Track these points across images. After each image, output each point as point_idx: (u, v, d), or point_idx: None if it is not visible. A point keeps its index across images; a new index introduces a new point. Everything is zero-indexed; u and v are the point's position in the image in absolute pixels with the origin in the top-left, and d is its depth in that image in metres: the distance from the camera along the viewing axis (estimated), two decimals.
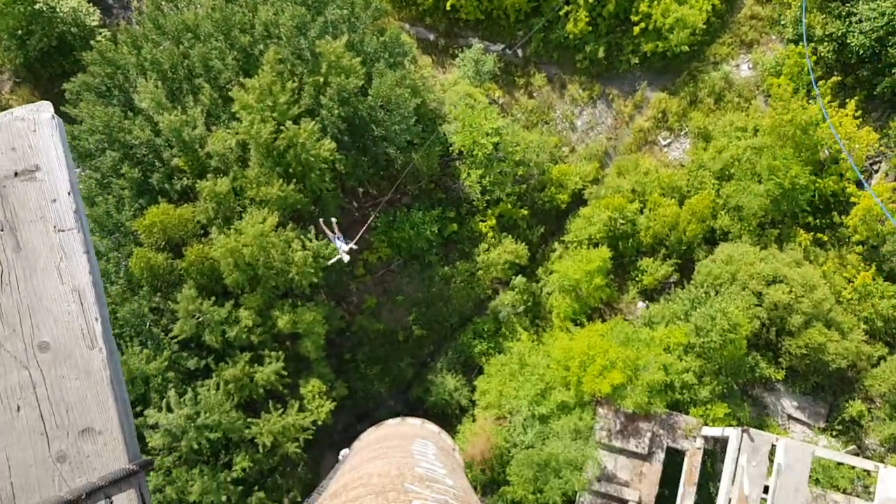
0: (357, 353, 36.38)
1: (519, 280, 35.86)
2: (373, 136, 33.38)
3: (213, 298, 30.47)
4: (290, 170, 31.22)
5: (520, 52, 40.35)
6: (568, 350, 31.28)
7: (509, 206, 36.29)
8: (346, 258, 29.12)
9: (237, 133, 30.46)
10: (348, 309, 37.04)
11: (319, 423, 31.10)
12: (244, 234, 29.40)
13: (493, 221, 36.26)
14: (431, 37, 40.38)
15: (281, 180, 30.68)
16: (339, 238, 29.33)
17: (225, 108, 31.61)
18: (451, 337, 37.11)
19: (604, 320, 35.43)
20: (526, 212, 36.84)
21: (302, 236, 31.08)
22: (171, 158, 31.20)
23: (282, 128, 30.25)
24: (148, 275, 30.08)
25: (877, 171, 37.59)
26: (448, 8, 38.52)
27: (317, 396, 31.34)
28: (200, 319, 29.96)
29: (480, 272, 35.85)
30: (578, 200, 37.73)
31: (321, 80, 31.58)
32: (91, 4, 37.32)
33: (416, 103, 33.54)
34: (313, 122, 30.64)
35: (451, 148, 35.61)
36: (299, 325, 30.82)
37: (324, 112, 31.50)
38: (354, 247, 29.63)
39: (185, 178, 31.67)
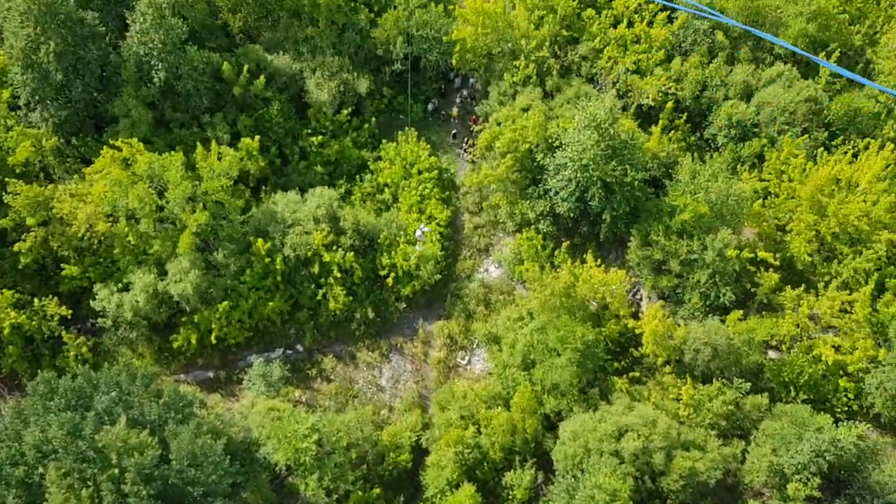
0: None
1: None
2: (193, 499, 30.99)
3: None
4: None
5: (299, 346, 40.92)
6: None
7: (360, 493, 34.85)
8: None
9: None
10: None
11: None
12: None
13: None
14: (210, 374, 39.80)
15: None
16: None
17: None
18: None
19: None
20: (378, 490, 35.55)
21: None
22: None
23: None
24: None
25: (640, 298, 41.87)
26: (214, 342, 38.51)
27: None
28: None
29: None
30: (420, 452, 37.31)
31: (115, 471, 29.33)
32: None
33: (223, 444, 32.03)
34: None
35: (276, 467, 34.03)
36: None
37: (131, 501, 28.97)
38: None
39: None
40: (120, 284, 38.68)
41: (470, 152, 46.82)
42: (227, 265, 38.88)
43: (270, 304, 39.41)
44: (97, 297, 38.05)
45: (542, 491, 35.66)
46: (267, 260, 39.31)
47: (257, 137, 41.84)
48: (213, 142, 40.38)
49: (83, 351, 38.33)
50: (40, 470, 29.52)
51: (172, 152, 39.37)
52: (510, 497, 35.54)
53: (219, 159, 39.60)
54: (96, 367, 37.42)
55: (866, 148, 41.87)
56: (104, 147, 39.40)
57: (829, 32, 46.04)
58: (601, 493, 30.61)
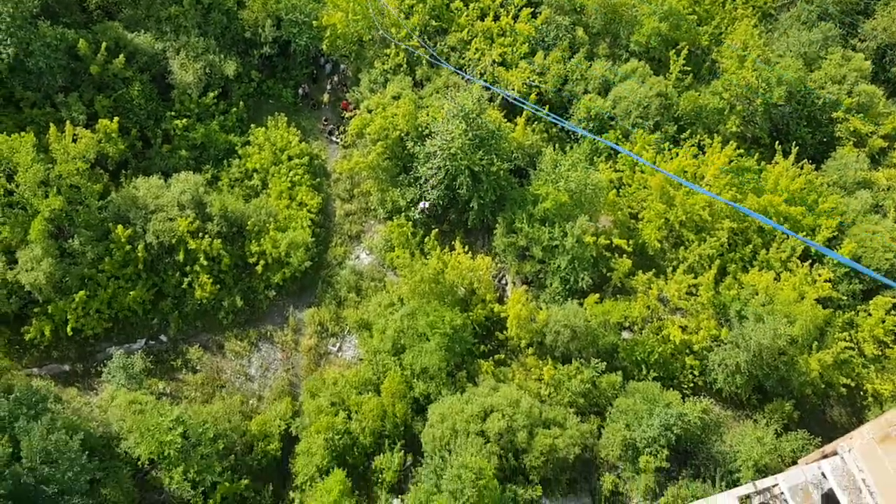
0: None
1: None
2: (47, 497, 29.69)
3: None
4: None
5: (163, 337, 39.72)
6: None
7: (227, 484, 34.40)
8: None
9: None
10: None
11: None
12: None
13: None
14: (67, 367, 37.92)
15: None
16: None
17: None
18: None
19: None
20: (246, 480, 35.21)
21: None
22: None
23: None
24: None
25: (506, 283, 43.47)
26: (70, 333, 36.75)
27: None
28: None
29: None
30: (290, 440, 37.25)
31: None
32: None
33: (80, 439, 30.84)
34: None
35: (139, 462, 33.07)
36: None
37: None
38: None
39: None
40: None
41: (341, 139, 46.78)
42: (84, 253, 37.11)
43: (132, 293, 37.99)
44: None
45: (411, 473, 36.54)
46: (128, 247, 37.84)
47: (116, 119, 39.99)
48: (68, 123, 38.27)
49: None
50: None
51: (23, 133, 37.06)
52: (380, 480, 36.22)
53: (74, 141, 37.64)
54: None
55: (711, 143, 45.23)
56: None
57: (680, 32, 49.27)
58: (467, 472, 31.79)
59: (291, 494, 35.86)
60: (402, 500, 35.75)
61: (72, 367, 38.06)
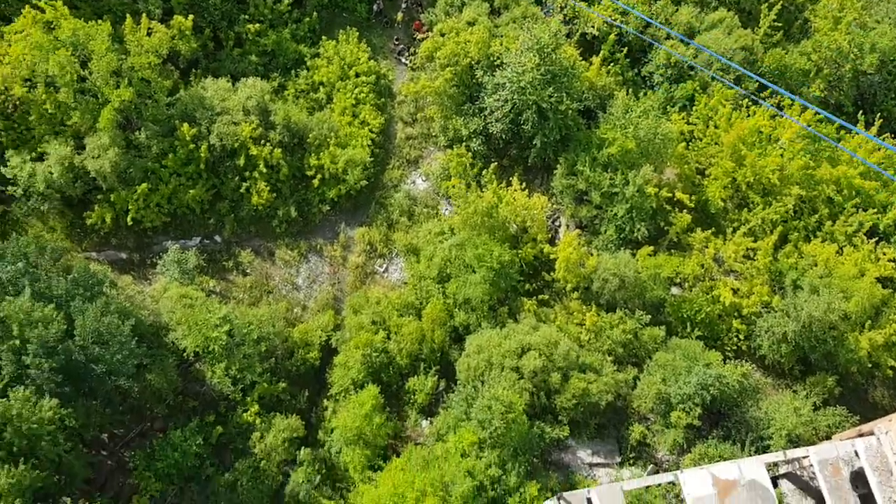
0: None
1: (305, 452, 34.98)
2: (96, 376, 31.16)
3: None
4: (16, 448, 27.93)
5: (217, 237, 40.61)
6: (377, 499, 30.89)
7: (266, 384, 35.54)
8: None
9: None
10: None
11: None
12: None
13: (256, 407, 35.18)
14: (124, 255, 39.18)
15: (6, 466, 27.19)
16: None
17: None
18: None
19: (398, 454, 35.60)
20: (284, 384, 36.30)
21: None
22: None
23: None
24: None
25: (559, 226, 43.00)
26: (130, 223, 37.81)
27: None
28: None
29: (263, 462, 34.29)
30: (329, 351, 38.12)
31: (17, 342, 29.08)
32: None
33: (131, 325, 32.03)
34: (24, 388, 27.95)
35: (184, 354, 34.29)
36: None
37: (32, 372, 28.92)
38: None
39: None
40: (34, 153, 37.23)
41: (410, 60, 46.17)
42: (150, 146, 37.83)
43: (191, 191, 38.76)
44: (9, 163, 36.58)
45: (442, 398, 37.14)
46: (191, 146, 38.41)
47: (191, 17, 40.04)
48: (144, 16, 38.49)
49: None
50: None
51: (99, 21, 37.45)
52: (411, 401, 36.96)
53: (148, 35, 37.91)
54: (4, 235, 36.55)
55: (790, 105, 43.30)
56: (26, 6, 37.15)
57: None
58: (498, 404, 32.13)
59: (325, 402, 36.87)
60: (431, 422, 36.46)
61: (129, 256, 39.30)
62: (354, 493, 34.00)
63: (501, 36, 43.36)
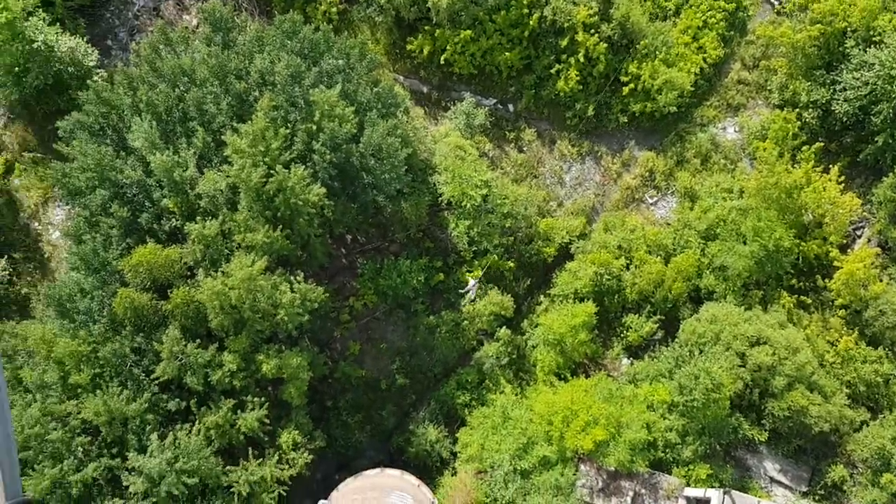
0: (339, 401, 36.01)
1: (504, 332, 35.85)
2: (363, 184, 33.62)
3: (198, 341, 30.18)
4: (279, 214, 31.34)
5: (511, 107, 41.04)
6: (551, 404, 31.10)
7: (496, 257, 36.43)
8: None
9: (228, 176, 30.59)
10: (331, 355, 36.77)
11: (296, 475, 30.62)
12: (232, 277, 29.28)
13: (480, 273, 36.34)
14: (425, 89, 41.04)
15: (268, 226, 30.71)
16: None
17: (217, 151, 31.80)
18: (434, 387, 36.84)
19: (587, 376, 35.34)
20: (513, 264, 36.99)
21: (291, 279, 30.99)
22: (161, 199, 31.26)
23: (272, 172, 30.39)
24: (132, 315, 29.82)
25: (860, 237, 38.11)
26: (442, 62, 39.24)
27: (293, 449, 30.82)
28: (184, 362, 29.63)
29: (466, 323, 35.79)
30: (565, 254, 37.97)
31: (314, 127, 31.91)
32: (89, 45, 37.73)
33: (407, 153, 33.89)
34: (304, 168, 30.89)
35: (440, 198, 35.87)
36: (284, 370, 30.49)
37: (315, 157, 31.76)
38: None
39: (174, 220, 31.66)
40: None
41: (780, 2, 41.69)
42: None
43: (507, 53, 39.08)
44: None
45: (653, 346, 35.83)
46: (525, 11, 38.34)
47: None
48: None
49: (332, 11, 40.06)
50: (256, 93, 32.68)
51: None
52: (622, 335, 36.09)
53: None
54: (337, 31, 39.49)
55: None
56: None
57: None
58: (707, 378, 30.38)
59: (541, 298, 37.20)
60: (632, 363, 35.53)
61: (429, 91, 41.09)
62: (533, 389, 34.54)
63: (895, 12, 37.51)
